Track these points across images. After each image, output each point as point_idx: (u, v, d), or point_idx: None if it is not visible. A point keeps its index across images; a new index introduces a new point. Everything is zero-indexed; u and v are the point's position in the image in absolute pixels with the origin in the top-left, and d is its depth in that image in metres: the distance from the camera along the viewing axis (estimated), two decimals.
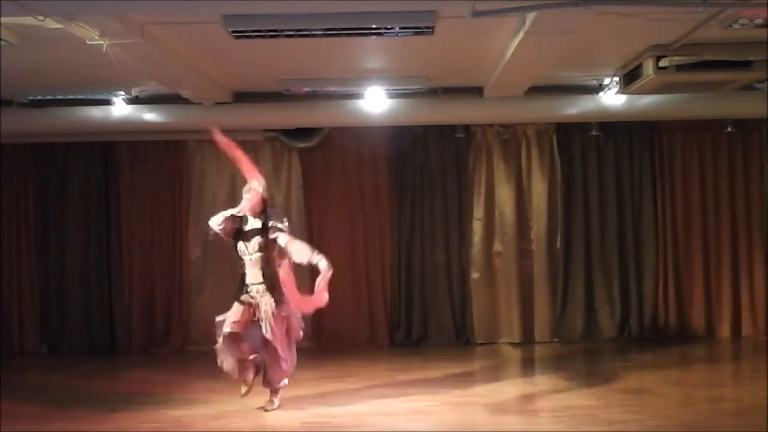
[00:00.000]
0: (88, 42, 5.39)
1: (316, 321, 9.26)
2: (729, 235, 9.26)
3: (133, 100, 8.28)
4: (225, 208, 9.17)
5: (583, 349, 8.74)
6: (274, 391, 6.14)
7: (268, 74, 7.44)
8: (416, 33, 5.65)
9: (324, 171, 9.33)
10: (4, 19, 4.97)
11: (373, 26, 5.49)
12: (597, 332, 9.23)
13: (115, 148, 9.26)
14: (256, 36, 5.59)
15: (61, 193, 9.28)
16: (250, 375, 6.08)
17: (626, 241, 9.26)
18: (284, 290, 5.83)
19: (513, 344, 9.18)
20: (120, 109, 8.33)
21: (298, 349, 9.03)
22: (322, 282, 5.79)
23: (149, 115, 8.39)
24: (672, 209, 9.28)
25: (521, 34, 5.66)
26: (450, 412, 5.99)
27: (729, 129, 9.12)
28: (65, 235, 9.25)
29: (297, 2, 4.92)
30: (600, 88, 8.25)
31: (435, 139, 9.26)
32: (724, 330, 9.21)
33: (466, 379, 7.21)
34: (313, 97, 8.27)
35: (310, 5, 4.97)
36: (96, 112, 8.35)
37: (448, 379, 7.05)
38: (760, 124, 9.04)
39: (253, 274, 5.95)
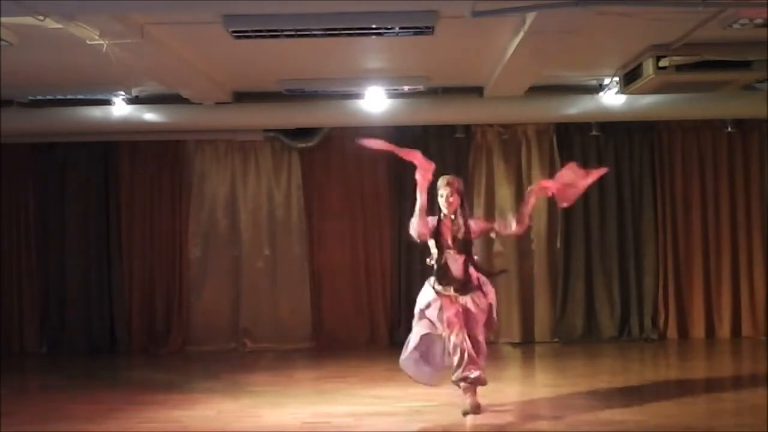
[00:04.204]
0: (88, 42, 5.40)
1: (316, 321, 9.28)
2: (729, 236, 9.25)
3: (133, 100, 8.29)
4: (225, 208, 9.38)
5: (583, 349, 8.74)
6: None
7: (268, 74, 7.44)
8: (416, 33, 5.66)
9: (324, 171, 9.34)
10: (4, 19, 4.98)
11: (373, 26, 5.50)
12: (597, 332, 9.23)
13: (115, 148, 9.26)
14: (256, 36, 5.59)
15: (61, 193, 9.27)
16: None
17: (626, 241, 9.26)
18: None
19: (513, 344, 9.18)
20: (120, 109, 8.34)
21: (298, 350, 9.13)
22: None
23: (149, 115, 8.40)
24: (672, 209, 9.28)
25: (521, 34, 5.66)
26: (450, 412, 5.98)
27: (729, 129, 9.12)
28: (65, 235, 9.24)
29: (297, 2, 4.93)
30: (600, 88, 8.26)
31: (435, 139, 9.26)
32: (724, 330, 9.21)
33: None
34: (313, 97, 8.28)
35: (310, 5, 4.98)
36: (96, 112, 8.36)
37: (448, 379, 7.03)
38: (760, 124, 9.04)
39: (457, 268, 5.69)
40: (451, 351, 5.63)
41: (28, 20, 4.91)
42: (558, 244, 9.30)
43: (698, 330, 9.22)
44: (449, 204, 5.67)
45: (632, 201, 9.29)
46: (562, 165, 9.17)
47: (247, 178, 9.40)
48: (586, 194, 9.15)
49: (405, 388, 6.34)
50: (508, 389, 6.95)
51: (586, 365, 7.90)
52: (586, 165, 9.13)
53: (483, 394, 6.10)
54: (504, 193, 9.32)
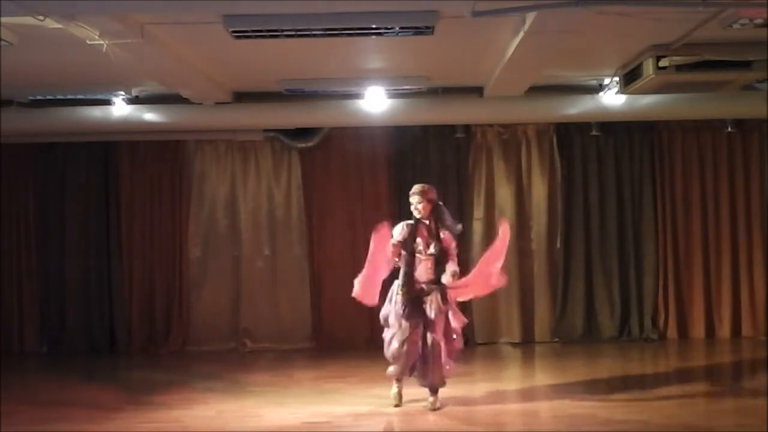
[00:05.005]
0: (88, 42, 5.40)
1: (316, 321, 9.28)
2: (729, 236, 9.25)
3: (133, 100, 8.29)
4: (225, 208, 9.37)
5: (583, 349, 8.74)
6: (435, 391, 6.09)
7: (268, 74, 7.44)
8: (416, 33, 5.65)
9: (324, 171, 9.34)
10: (4, 19, 4.98)
11: (373, 26, 5.49)
12: (597, 332, 9.23)
13: (115, 148, 9.26)
14: (256, 36, 5.59)
15: (61, 193, 9.27)
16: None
17: (626, 241, 9.26)
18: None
19: (513, 344, 9.18)
20: (120, 109, 8.33)
21: (298, 350, 9.13)
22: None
23: (149, 115, 8.40)
24: (672, 209, 9.28)
25: (521, 34, 5.66)
26: (450, 412, 5.99)
27: (729, 129, 9.11)
28: (65, 235, 9.24)
29: (297, 2, 4.92)
30: (600, 88, 8.25)
31: (435, 139, 9.26)
32: (724, 330, 9.21)
33: (466, 379, 7.20)
34: (313, 97, 8.27)
35: (310, 5, 4.97)
36: (96, 112, 8.35)
37: (448, 378, 7.04)
38: (760, 124, 9.04)
39: (424, 272, 5.98)
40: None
41: (28, 20, 4.90)
42: (558, 244, 9.30)
43: (698, 330, 9.21)
44: (418, 211, 6.04)
45: (632, 201, 9.29)
46: (562, 165, 9.26)
47: (247, 178, 9.40)
48: (586, 194, 9.27)
49: (405, 388, 6.34)
50: (508, 389, 6.97)
51: (586, 365, 7.90)
52: (586, 165, 9.27)
53: (484, 394, 6.13)
54: (504, 193, 9.32)
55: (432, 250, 5.98)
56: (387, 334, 6.09)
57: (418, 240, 6.02)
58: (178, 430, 5.66)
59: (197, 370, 8.12)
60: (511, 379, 7.55)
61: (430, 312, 5.92)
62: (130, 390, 7.10)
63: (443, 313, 5.95)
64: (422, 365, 6.02)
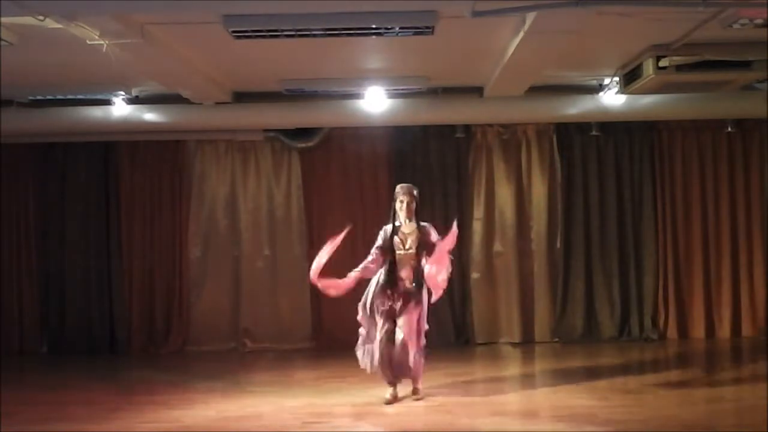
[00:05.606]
0: (88, 42, 5.40)
1: (316, 321, 9.28)
2: (729, 236, 9.25)
3: (133, 100, 8.29)
4: (225, 208, 9.37)
5: (583, 349, 8.74)
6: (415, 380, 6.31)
7: (268, 74, 7.44)
8: (416, 33, 5.66)
9: (324, 171, 9.34)
10: (4, 19, 4.98)
11: (373, 26, 5.49)
12: (597, 332, 9.23)
13: (115, 148, 9.26)
14: (256, 36, 5.59)
15: (61, 193, 9.27)
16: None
17: (626, 241, 9.26)
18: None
19: (513, 344, 9.18)
20: (120, 109, 8.33)
21: (298, 350, 9.13)
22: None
23: (149, 115, 8.40)
24: (672, 209, 9.28)
25: (521, 34, 5.66)
26: (450, 412, 5.99)
27: (729, 129, 9.12)
28: (65, 235, 9.24)
29: (297, 2, 4.93)
30: (600, 88, 8.25)
31: (435, 139, 9.26)
32: (724, 330, 9.21)
33: (466, 379, 7.22)
34: (313, 97, 8.28)
35: (310, 5, 4.97)
36: (96, 112, 8.36)
37: (449, 378, 7.04)
38: (760, 124, 9.04)
39: (407, 271, 6.18)
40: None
41: (28, 20, 4.90)
42: (558, 244, 9.30)
43: (698, 330, 9.21)
44: (409, 210, 6.13)
45: (632, 201, 9.29)
46: (562, 165, 9.26)
47: (247, 178, 9.40)
48: (586, 194, 9.27)
49: (405, 388, 6.35)
50: (508, 389, 6.97)
51: (586, 365, 7.90)
52: (586, 165, 9.27)
53: (484, 393, 6.10)
54: (504, 193, 9.32)
55: (409, 245, 6.16)
56: (360, 351, 6.35)
57: (396, 239, 6.19)
58: (178, 430, 5.66)
59: (197, 370, 8.13)
60: (511, 379, 7.55)
61: (405, 309, 6.09)
62: (130, 390, 7.11)
63: (416, 312, 6.10)
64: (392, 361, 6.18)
